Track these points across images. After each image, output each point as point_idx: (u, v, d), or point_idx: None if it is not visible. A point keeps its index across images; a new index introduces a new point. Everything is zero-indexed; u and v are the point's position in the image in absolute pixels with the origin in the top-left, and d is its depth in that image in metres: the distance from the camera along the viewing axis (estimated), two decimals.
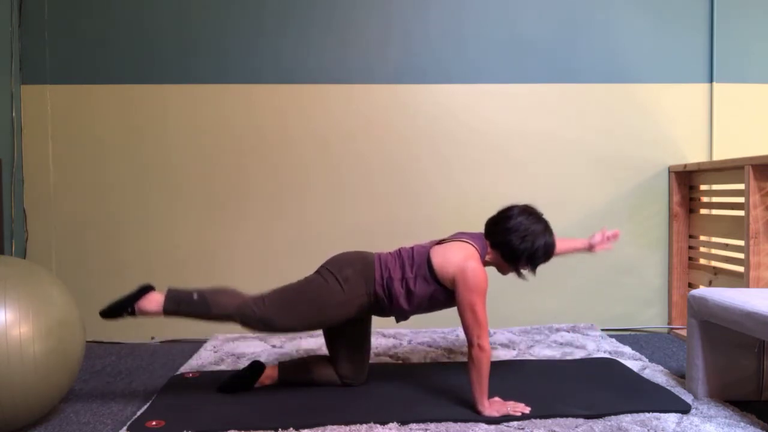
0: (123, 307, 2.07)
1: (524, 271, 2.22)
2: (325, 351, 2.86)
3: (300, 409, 2.06)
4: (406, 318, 2.26)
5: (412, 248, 2.23)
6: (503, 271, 2.23)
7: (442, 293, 2.14)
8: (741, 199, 2.81)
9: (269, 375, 2.30)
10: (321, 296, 2.12)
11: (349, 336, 2.28)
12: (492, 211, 3.31)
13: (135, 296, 2.09)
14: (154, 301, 2.09)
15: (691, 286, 3.30)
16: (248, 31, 3.27)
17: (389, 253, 2.24)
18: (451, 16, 3.31)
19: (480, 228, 3.32)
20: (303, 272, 3.25)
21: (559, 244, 2.52)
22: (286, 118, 3.29)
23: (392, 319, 3.26)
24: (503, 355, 2.78)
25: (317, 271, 2.21)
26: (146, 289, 2.11)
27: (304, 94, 3.29)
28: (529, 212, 2.17)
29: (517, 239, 2.11)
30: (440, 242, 2.23)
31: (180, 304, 2.08)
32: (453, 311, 2.97)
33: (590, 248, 2.54)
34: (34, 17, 3.22)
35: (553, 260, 3.33)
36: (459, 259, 2.09)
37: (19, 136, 3.21)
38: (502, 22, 3.32)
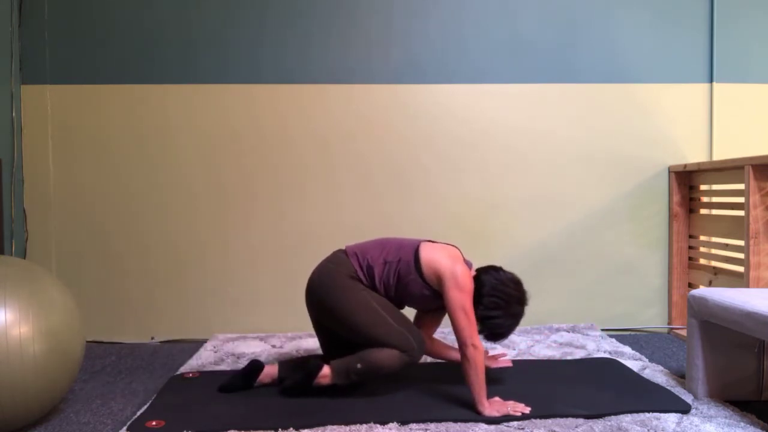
0: (306, 387, 2.16)
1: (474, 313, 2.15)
2: None
3: (300, 409, 2.06)
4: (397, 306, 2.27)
5: (401, 238, 2.29)
6: None
7: (419, 286, 2.17)
8: (741, 199, 2.81)
9: (269, 374, 2.30)
10: (373, 306, 2.15)
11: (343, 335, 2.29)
12: (492, 211, 3.33)
13: (312, 375, 2.15)
14: (326, 375, 2.15)
15: (691, 286, 3.30)
16: (249, 30, 3.27)
17: (365, 242, 2.30)
18: (451, 17, 3.31)
19: (480, 228, 3.33)
20: (303, 271, 3.27)
21: (438, 346, 2.41)
22: (287, 118, 3.29)
23: None
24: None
25: (332, 311, 2.18)
26: (320, 368, 2.15)
27: (305, 94, 3.29)
28: (521, 293, 2.16)
29: (490, 291, 2.12)
30: (432, 242, 2.26)
31: (349, 376, 2.14)
32: None
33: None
34: (34, 17, 3.22)
35: (553, 260, 3.33)
36: (449, 261, 2.13)
37: (19, 136, 3.21)
38: (503, 23, 3.32)
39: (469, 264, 2.23)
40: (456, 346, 2.40)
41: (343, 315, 2.16)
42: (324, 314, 2.22)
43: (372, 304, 2.16)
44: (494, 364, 2.37)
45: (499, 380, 2.34)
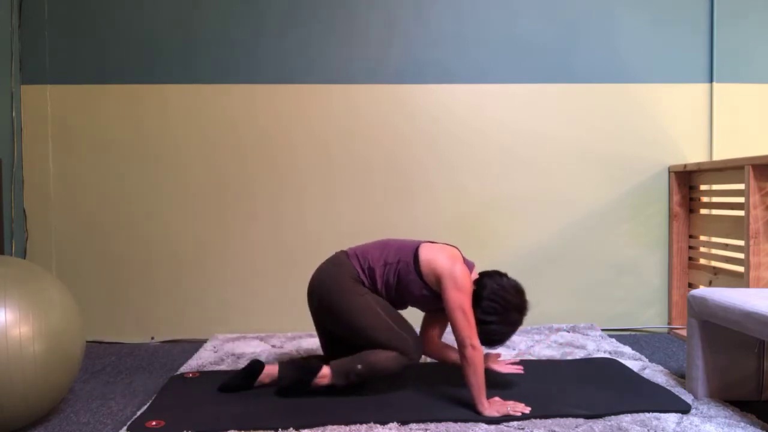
0: (305, 385, 2.16)
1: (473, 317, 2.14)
2: None
3: (300, 409, 2.06)
4: (397, 307, 2.27)
5: (402, 240, 2.29)
6: None
7: (420, 287, 2.17)
8: (741, 199, 2.81)
9: (269, 374, 2.30)
10: (375, 310, 2.15)
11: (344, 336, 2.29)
12: (492, 211, 3.33)
13: (311, 375, 2.16)
14: (325, 375, 2.16)
15: (691, 286, 3.30)
16: (249, 30, 3.27)
17: (366, 244, 2.30)
18: (452, 17, 3.31)
19: (480, 229, 3.33)
20: (303, 271, 3.27)
21: (439, 347, 2.38)
22: (288, 118, 3.29)
23: None
24: (503, 355, 2.78)
25: (332, 313, 2.19)
26: (319, 368, 2.16)
27: (306, 94, 3.29)
28: (522, 301, 2.14)
29: (489, 296, 2.11)
30: (432, 242, 2.26)
31: (349, 377, 2.15)
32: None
33: (486, 366, 2.33)
34: (34, 17, 3.22)
35: (553, 260, 3.33)
36: (448, 261, 2.12)
37: (19, 136, 3.21)
38: (503, 23, 3.32)
39: (470, 265, 2.23)
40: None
41: (343, 316, 2.16)
42: (325, 315, 2.22)
43: (373, 306, 2.16)
44: (505, 369, 2.31)
45: (499, 380, 2.34)
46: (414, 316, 3.06)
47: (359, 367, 2.12)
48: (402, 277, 2.18)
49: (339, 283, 2.18)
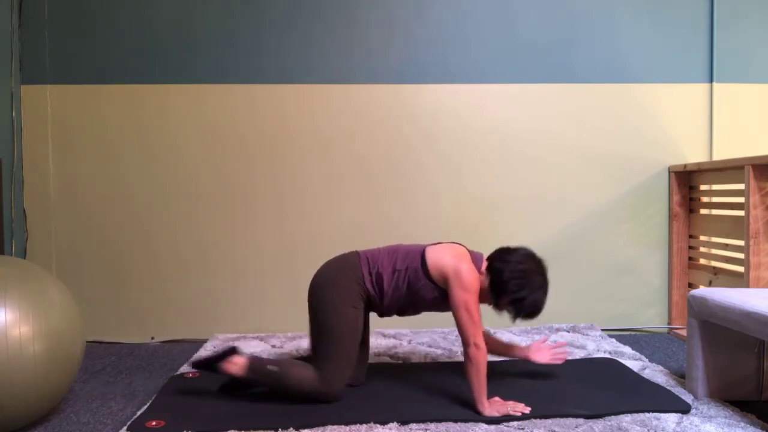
0: (212, 365, 2.16)
1: (503, 310, 2.15)
2: None
3: (300, 409, 2.06)
4: (400, 313, 2.26)
5: (409, 245, 2.26)
6: (483, 297, 2.18)
7: (432, 290, 2.15)
8: (741, 199, 2.81)
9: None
10: (351, 329, 2.14)
11: None
12: (492, 211, 3.34)
13: (222, 357, 2.16)
14: (238, 365, 2.15)
15: (691, 286, 3.30)
16: (250, 30, 3.27)
17: (378, 248, 2.27)
18: (452, 17, 3.31)
19: (480, 228, 3.33)
20: (303, 271, 3.26)
21: (493, 342, 2.41)
22: (288, 118, 3.29)
23: (392, 319, 3.26)
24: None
25: (320, 302, 2.18)
26: (232, 351, 2.17)
27: (306, 93, 3.29)
28: (538, 262, 2.13)
29: (510, 275, 2.09)
30: (437, 244, 2.24)
31: (261, 375, 2.13)
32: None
33: (526, 357, 2.39)
34: (34, 17, 3.22)
35: (553, 260, 3.33)
36: (453, 260, 2.11)
37: (19, 136, 3.21)
38: (503, 23, 3.32)
39: (478, 258, 2.19)
40: (514, 343, 2.46)
41: (322, 311, 2.15)
42: (311, 302, 2.21)
43: (354, 324, 2.14)
44: (546, 359, 2.34)
45: (499, 380, 2.34)
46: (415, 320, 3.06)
47: (272, 368, 2.12)
48: (412, 283, 2.16)
49: (340, 280, 2.17)
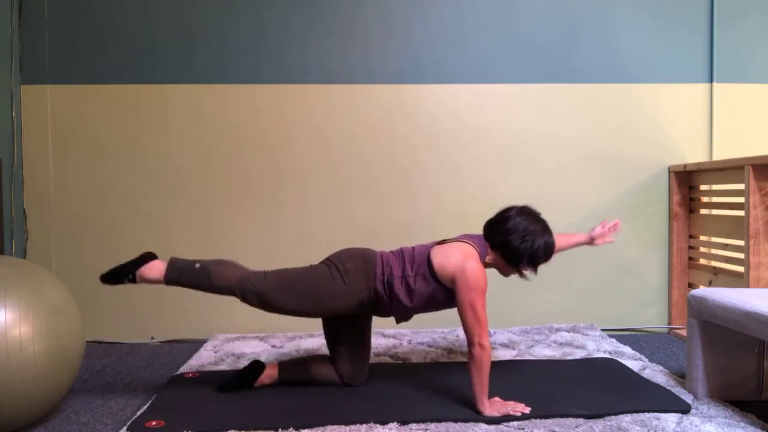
0: (124, 273, 2.08)
1: (526, 272, 2.22)
2: (325, 351, 2.86)
3: (300, 409, 2.06)
4: (407, 318, 2.26)
5: (413, 248, 2.24)
6: (504, 272, 2.24)
7: (442, 293, 2.14)
8: (741, 199, 2.81)
9: (269, 374, 2.30)
10: (322, 284, 2.13)
11: (349, 335, 2.29)
12: (493, 211, 3.31)
13: (137, 262, 2.10)
14: (155, 268, 2.09)
15: (691, 286, 3.30)
16: (249, 30, 3.27)
17: (391, 251, 2.25)
18: (452, 16, 3.31)
19: (480, 228, 3.33)
20: None
21: (560, 240, 2.53)
22: (288, 118, 3.29)
23: (392, 319, 3.26)
24: (503, 355, 2.78)
25: (322, 262, 2.22)
26: (148, 257, 2.12)
27: (306, 94, 3.29)
28: (527, 212, 2.17)
29: (516, 239, 2.12)
30: (441, 242, 2.23)
31: (182, 274, 2.09)
32: (453, 312, 2.98)
33: (591, 241, 2.57)
34: (34, 17, 3.22)
35: (553, 259, 3.33)
36: (459, 259, 2.09)
37: (19, 136, 3.21)
38: (503, 23, 3.32)
39: (481, 242, 2.20)
40: (578, 234, 2.60)
41: (319, 268, 2.16)
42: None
43: (328, 280, 2.12)
44: (606, 238, 2.55)
45: (499, 380, 2.34)
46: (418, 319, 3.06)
47: (197, 265, 2.09)
48: (423, 289, 2.14)
49: (355, 263, 2.16)
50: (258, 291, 2.12)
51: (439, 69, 3.31)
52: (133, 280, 2.09)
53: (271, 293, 2.12)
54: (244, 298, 2.14)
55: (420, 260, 2.16)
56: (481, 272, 2.06)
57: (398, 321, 2.28)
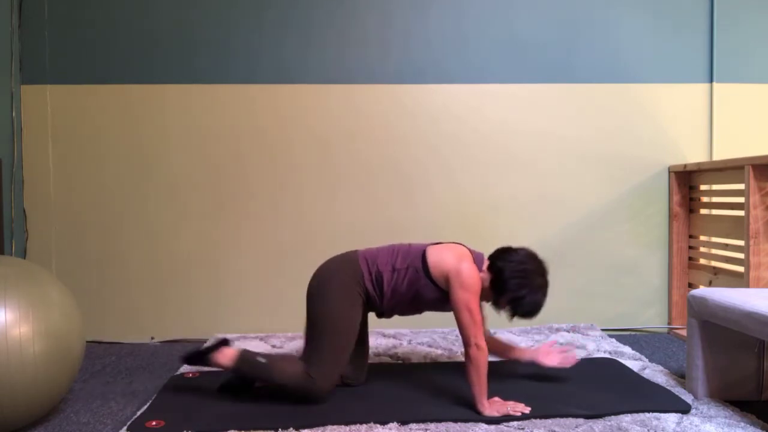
0: (203, 360, 2.18)
1: (502, 309, 2.16)
2: None
3: (300, 409, 2.06)
4: (401, 312, 2.25)
5: (410, 244, 2.26)
6: (485, 296, 2.19)
7: (432, 291, 2.15)
8: (741, 199, 2.81)
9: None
10: (347, 326, 2.13)
11: None
12: (492, 211, 3.34)
13: (214, 348, 2.19)
14: (227, 356, 2.17)
15: (691, 286, 3.30)
16: (248, 31, 3.27)
17: (377, 248, 2.27)
18: (451, 16, 3.31)
19: (480, 229, 3.33)
20: (303, 272, 3.26)
21: (495, 344, 2.41)
22: (286, 118, 3.29)
23: (392, 319, 3.26)
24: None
25: (317, 296, 2.18)
26: (223, 343, 2.21)
27: (305, 94, 3.29)
28: (539, 265, 2.13)
29: (511, 274, 2.09)
30: (438, 243, 2.24)
31: (248, 365, 2.15)
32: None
33: (535, 358, 2.36)
34: (34, 17, 3.22)
35: (553, 259, 3.33)
36: (454, 259, 2.10)
37: (19, 136, 3.21)
38: (502, 23, 3.32)
39: (479, 256, 2.20)
40: (518, 345, 2.47)
41: (320, 305, 2.15)
42: (311, 297, 2.21)
43: (350, 320, 2.13)
44: (554, 362, 2.33)
45: (499, 380, 2.34)
46: (416, 319, 3.07)
47: (263, 360, 2.13)
48: (413, 283, 2.15)
49: (340, 276, 2.17)
50: (318, 387, 2.10)
51: (438, 69, 3.31)
52: (207, 363, 2.19)
53: (326, 378, 2.10)
54: (310, 400, 2.13)
55: (414, 255, 2.18)
56: (475, 274, 2.07)
57: (389, 315, 2.28)
